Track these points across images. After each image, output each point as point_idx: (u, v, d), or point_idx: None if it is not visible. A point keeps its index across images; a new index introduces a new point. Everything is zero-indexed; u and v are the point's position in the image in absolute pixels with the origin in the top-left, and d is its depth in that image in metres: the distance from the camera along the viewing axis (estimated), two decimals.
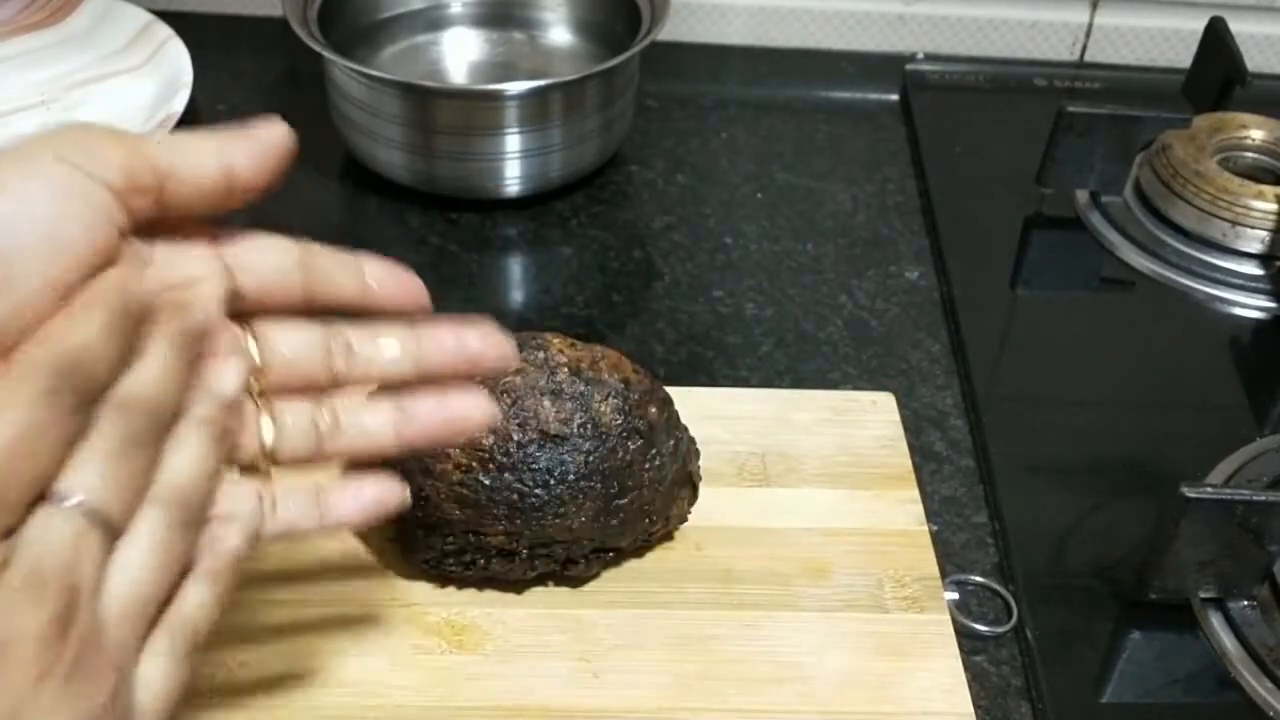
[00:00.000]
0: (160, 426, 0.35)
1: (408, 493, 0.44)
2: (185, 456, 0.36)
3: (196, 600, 0.37)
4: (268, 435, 0.41)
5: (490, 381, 0.53)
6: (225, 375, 0.37)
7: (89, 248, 0.35)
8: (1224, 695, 0.54)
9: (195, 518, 0.36)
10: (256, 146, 0.38)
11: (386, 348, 0.43)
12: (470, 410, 0.44)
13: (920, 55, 0.96)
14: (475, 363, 0.43)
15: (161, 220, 0.39)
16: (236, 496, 0.40)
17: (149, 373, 0.34)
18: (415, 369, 0.43)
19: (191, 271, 0.39)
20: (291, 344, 0.42)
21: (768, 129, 0.88)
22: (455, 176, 0.77)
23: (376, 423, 0.43)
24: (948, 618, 0.55)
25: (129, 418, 0.34)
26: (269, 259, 0.41)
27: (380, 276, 0.43)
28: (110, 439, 0.33)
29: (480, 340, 0.43)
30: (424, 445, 0.45)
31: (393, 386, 0.44)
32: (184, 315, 0.36)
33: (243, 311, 0.41)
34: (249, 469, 0.41)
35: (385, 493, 0.43)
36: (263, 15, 0.94)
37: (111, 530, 0.33)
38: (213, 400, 0.37)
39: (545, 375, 0.53)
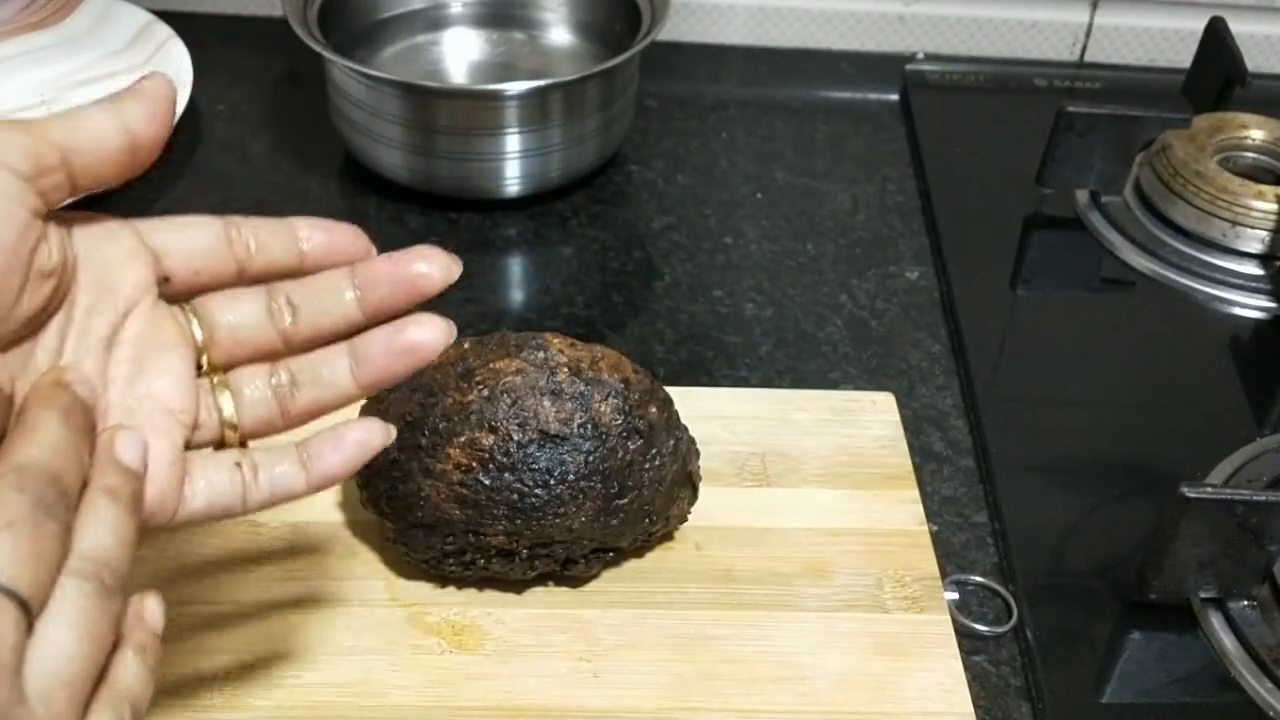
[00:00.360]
0: (64, 496, 0.34)
1: (393, 431, 0.43)
2: (98, 526, 0.35)
3: (131, 674, 0.36)
4: (229, 409, 0.41)
5: (491, 382, 0.53)
6: (127, 445, 0.37)
7: (10, 234, 0.35)
8: (1224, 695, 0.54)
9: (116, 586, 0.35)
10: (149, 104, 0.39)
11: (329, 297, 0.42)
12: (424, 336, 0.42)
13: (920, 55, 0.96)
14: (418, 285, 0.42)
15: (83, 214, 0.39)
16: (215, 466, 0.40)
17: (40, 443, 0.34)
18: (363, 311, 0.42)
19: (115, 261, 0.39)
20: (234, 314, 0.42)
21: (768, 129, 0.88)
22: (455, 176, 0.77)
23: (334, 372, 0.42)
24: (948, 618, 0.55)
25: (29, 488, 0.33)
26: (194, 239, 0.41)
27: (314, 236, 0.42)
28: (12, 510, 0.33)
29: (420, 260, 0.42)
30: (385, 383, 0.43)
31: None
32: (63, 391, 0.36)
33: (179, 294, 0.41)
34: (220, 446, 0.41)
35: (368, 434, 0.42)
36: (263, 15, 0.94)
37: (26, 606, 0.32)
38: (117, 470, 0.36)
39: (545, 375, 0.53)
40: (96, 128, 0.38)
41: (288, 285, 0.42)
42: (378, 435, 0.42)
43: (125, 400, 0.39)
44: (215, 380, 0.41)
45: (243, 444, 0.42)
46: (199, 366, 0.41)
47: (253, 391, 0.42)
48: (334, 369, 0.42)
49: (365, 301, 0.42)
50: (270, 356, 0.42)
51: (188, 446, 0.40)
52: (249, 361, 0.42)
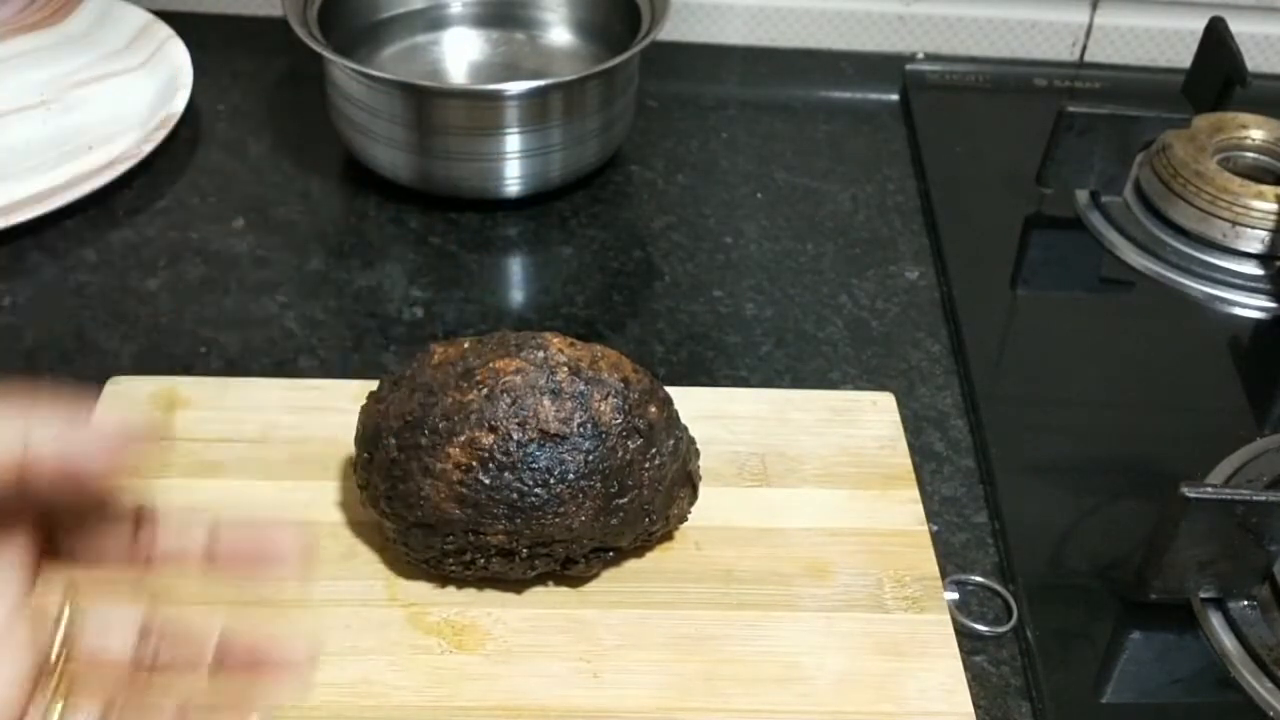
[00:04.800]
0: None
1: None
2: None
3: None
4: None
5: (491, 381, 0.53)
6: None
7: None
8: (1224, 695, 0.54)
9: None
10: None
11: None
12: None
13: (920, 55, 0.96)
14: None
15: None
16: None
17: None
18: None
19: None
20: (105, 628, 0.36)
21: (768, 129, 0.88)
22: (455, 176, 0.77)
23: None
24: (948, 618, 0.55)
25: None
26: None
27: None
28: None
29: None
30: None
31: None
32: None
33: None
34: None
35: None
36: (263, 15, 0.94)
37: None
38: None
39: (545, 374, 0.53)
40: None
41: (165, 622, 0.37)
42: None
43: None
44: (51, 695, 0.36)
45: None
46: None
47: None
48: None
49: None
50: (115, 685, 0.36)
51: None
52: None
